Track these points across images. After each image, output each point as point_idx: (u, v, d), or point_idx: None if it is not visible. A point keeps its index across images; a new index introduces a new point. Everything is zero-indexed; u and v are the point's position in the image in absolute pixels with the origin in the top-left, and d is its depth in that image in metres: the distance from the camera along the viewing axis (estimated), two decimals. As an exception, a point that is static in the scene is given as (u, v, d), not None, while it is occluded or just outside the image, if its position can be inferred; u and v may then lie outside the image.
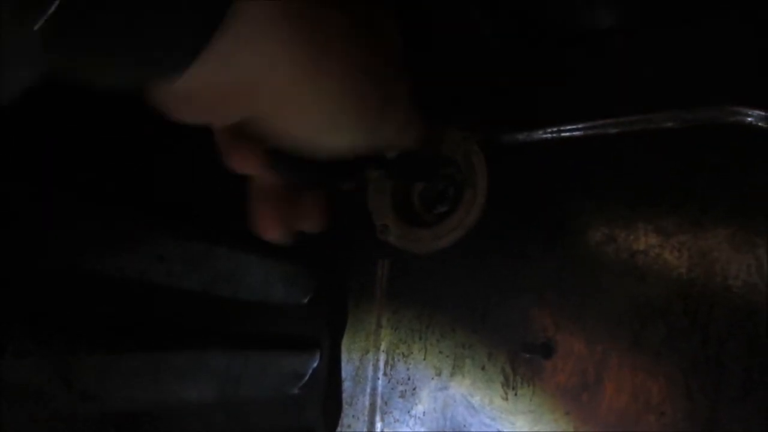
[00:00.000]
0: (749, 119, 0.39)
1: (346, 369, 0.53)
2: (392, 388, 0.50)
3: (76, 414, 0.36)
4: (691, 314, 0.39)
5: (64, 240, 0.37)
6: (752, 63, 0.40)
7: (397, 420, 0.49)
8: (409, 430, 0.49)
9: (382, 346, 0.51)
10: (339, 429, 0.53)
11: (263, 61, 0.23)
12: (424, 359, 0.49)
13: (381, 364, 0.51)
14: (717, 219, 0.39)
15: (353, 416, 0.52)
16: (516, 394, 0.44)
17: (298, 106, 0.26)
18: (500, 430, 0.44)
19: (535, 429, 0.43)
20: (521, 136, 0.47)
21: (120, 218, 0.41)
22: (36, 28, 0.17)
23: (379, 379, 0.51)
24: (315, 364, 0.52)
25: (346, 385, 0.53)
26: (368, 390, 0.51)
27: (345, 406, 0.52)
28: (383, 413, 0.50)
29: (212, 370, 0.45)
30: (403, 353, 0.50)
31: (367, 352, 0.52)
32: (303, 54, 0.23)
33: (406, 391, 0.49)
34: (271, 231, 0.33)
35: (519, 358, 0.44)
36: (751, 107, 0.39)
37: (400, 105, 0.32)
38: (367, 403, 0.51)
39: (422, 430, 0.48)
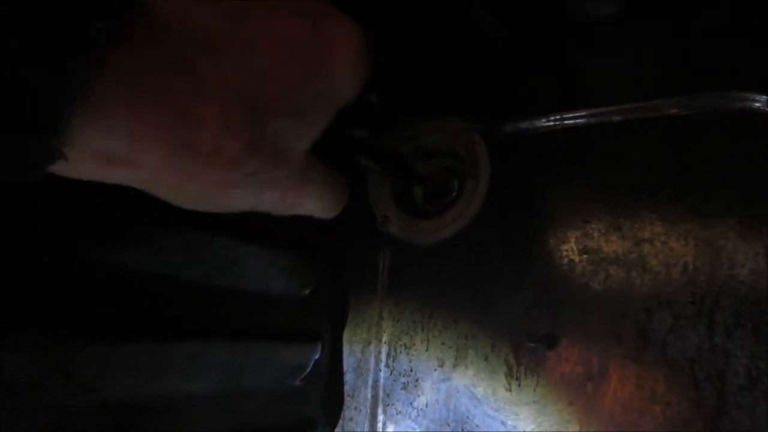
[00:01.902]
0: (756, 104, 0.38)
1: (348, 361, 0.53)
2: (394, 380, 0.50)
3: (74, 406, 0.36)
4: (698, 303, 0.38)
5: (62, 232, 0.37)
6: (755, 47, 0.40)
7: (400, 412, 0.49)
8: (411, 421, 0.48)
9: (384, 338, 0.51)
10: (341, 421, 0.52)
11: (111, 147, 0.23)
12: (427, 350, 0.49)
13: (383, 356, 0.51)
14: (723, 207, 0.39)
15: (355, 408, 0.52)
16: (519, 385, 0.43)
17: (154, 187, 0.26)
18: (504, 421, 0.44)
19: (539, 420, 0.42)
20: (523, 125, 0.47)
21: (119, 210, 0.40)
22: None
23: (381, 370, 0.51)
24: (316, 356, 0.52)
25: (348, 377, 0.52)
26: (370, 382, 0.51)
27: (347, 398, 0.52)
28: (385, 405, 0.50)
29: (213, 362, 0.45)
30: (405, 345, 0.50)
31: (369, 343, 0.52)
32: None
33: (408, 382, 0.49)
34: None
35: (522, 349, 0.44)
36: (757, 92, 0.38)
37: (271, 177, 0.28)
38: (369, 395, 0.51)
39: (425, 421, 0.48)
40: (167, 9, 0.23)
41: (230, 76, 0.24)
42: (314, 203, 0.32)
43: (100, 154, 0.22)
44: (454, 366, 0.47)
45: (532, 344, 0.43)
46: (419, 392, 0.48)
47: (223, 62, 0.24)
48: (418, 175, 0.51)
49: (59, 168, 0.22)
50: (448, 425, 0.46)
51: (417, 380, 0.49)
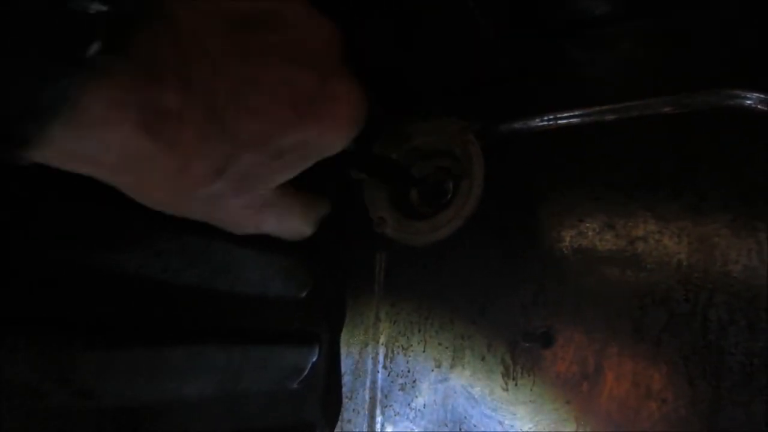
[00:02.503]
0: (748, 102, 0.39)
1: (346, 363, 0.53)
2: (392, 381, 0.50)
3: (73, 410, 0.36)
4: (692, 300, 0.39)
5: (60, 235, 0.37)
6: (749, 45, 0.40)
7: (398, 413, 0.49)
8: (409, 422, 0.48)
9: (382, 339, 0.51)
10: (339, 423, 0.52)
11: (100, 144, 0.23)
12: (424, 351, 0.49)
13: (380, 357, 0.51)
14: (716, 204, 0.39)
15: (353, 410, 0.52)
16: (516, 384, 0.44)
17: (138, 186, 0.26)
18: (501, 420, 0.44)
19: (536, 419, 0.42)
20: (518, 125, 0.47)
21: (116, 213, 0.41)
22: None
23: (378, 372, 0.51)
24: (314, 358, 0.52)
25: (346, 378, 0.52)
26: (368, 383, 0.51)
27: (345, 400, 0.52)
28: (383, 406, 0.50)
29: (211, 365, 0.45)
30: (402, 346, 0.50)
31: (367, 345, 0.52)
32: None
33: (406, 383, 0.49)
34: None
35: (519, 348, 0.44)
36: (749, 90, 0.39)
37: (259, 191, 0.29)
38: (367, 397, 0.51)
39: (423, 422, 0.48)
40: (186, 20, 0.23)
41: (219, 100, 0.24)
42: (274, 228, 0.32)
43: (67, 154, 0.23)
44: (451, 366, 0.47)
45: (528, 344, 0.43)
46: (417, 393, 0.48)
47: (217, 85, 0.24)
48: (412, 179, 0.51)
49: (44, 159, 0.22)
50: (446, 426, 0.46)
51: (414, 381, 0.49)
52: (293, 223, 0.32)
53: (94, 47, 0.20)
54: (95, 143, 0.23)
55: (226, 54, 0.24)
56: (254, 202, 0.29)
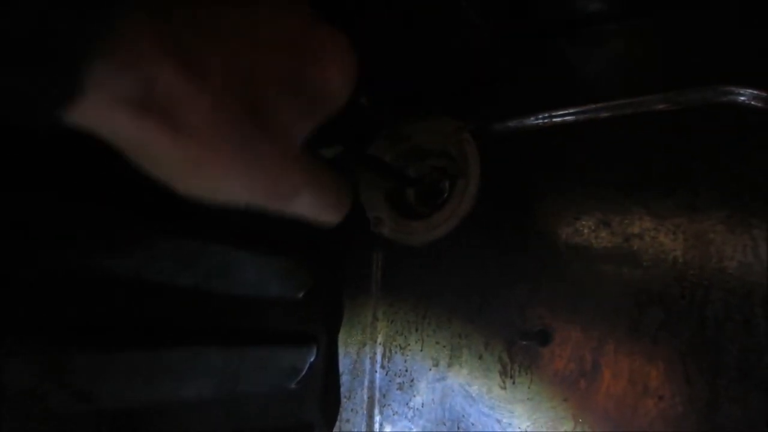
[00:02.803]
0: (741, 98, 0.39)
1: (344, 362, 0.53)
2: (390, 381, 0.50)
3: (71, 412, 0.36)
4: (688, 297, 0.39)
5: (56, 239, 0.37)
6: (742, 42, 0.40)
7: (396, 412, 0.49)
8: (408, 421, 0.48)
9: (379, 339, 0.51)
10: (338, 423, 0.52)
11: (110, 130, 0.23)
12: (421, 350, 0.49)
13: (378, 357, 0.51)
14: (711, 200, 0.39)
15: (352, 410, 0.52)
16: (514, 383, 0.44)
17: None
18: (499, 419, 0.44)
19: (534, 416, 0.42)
20: (512, 124, 0.47)
21: (113, 216, 0.41)
22: None
23: (376, 371, 0.51)
24: (312, 359, 0.52)
25: (344, 378, 0.52)
26: (366, 383, 0.51)
27: (343, 400, 0.52)
28: (382, 406, 0.50)
29: (209, 367, 0.45)
30: (399, 345, 0.50)
31: (364, 345, 0.52)
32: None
33: (404, 383, 0.49)
34: None
35: (516, 347, 0.44)
36: (743, 86, 0.39)
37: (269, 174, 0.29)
38: (365, 397, 0.51)
39: (421, 421, 0.48)
40: None
41: (232, 48, 0.25)
42: (311, 199, 0.31)
43: (111, 100, 0.22)
44: (449, 365, 0.47)
45: (525, 342, 0.44)
46: (415, 392, 0.48)
47: (224, 33, 0.25)
48: (408, 179, 0.52)
49: (79, 116, 0.22)
50: (444, 424, 0.46)
51: (412, 380, 0.49)
52: (329, 199, 0.32)
53: None
54: (139, 83, 0.22)
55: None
56: (287, 156, 0.29)
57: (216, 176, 0.28)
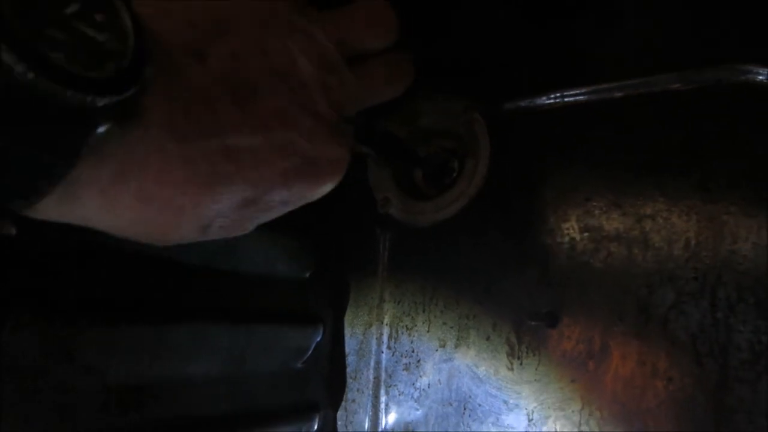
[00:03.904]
0: (760, 77, 0.38)
1: (350, 343, 0.53)
2: (396, 361, 0.50)
3: (77, 386, 0.36)
4: (700, 279, 0.38)
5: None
6: (760, 19, 0.39)
7: (402, 393, 0.49)
8: (414, 402, 0.48)
9: (386, 320, 0.51)
10: (343, 403, 0.53)
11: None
12: (428, 331, 0.49)
13: (384, 338, 0.51)
14: (726, 182, 0.39)
15: (357, 390, 0.52)
16: (521, 364, 0.43)
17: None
18: (506, 399, 0.44)
19: (541, 398, 0.42)
20: (523, 103, 0.46)
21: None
22: None
23: (383, 352, 0.51)
24: (318, 339, 0.52)
25: (350, 359, 0.52)
26: (372, 363, 0.51)
27: (349, 380, 0.52)
28: (388, 386, 0.50)
29: (216, 345, 0.45)
30: (406, 326, 0.50)
31: (371, 325, 0.52)
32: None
33: (410, 363, 0.49)
34: None
35: (524, 328, 0.44)
36: (762, 65, 0.38)
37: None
38: (371, 377, 0.51)
39: (427, 402, 0.48)
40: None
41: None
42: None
43: (62, 215, 0.24)
44: (456, 346, 0.47)
45: (533, 323, 0.43)
46: (421, 373, 0.48)
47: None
48: (417, 158, 0.51)
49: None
50: (451, 405, 0.46)
51: (419, 361, 0.49)
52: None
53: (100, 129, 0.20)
54: (92, 211, 0.24)
55: (231, 112, 0.27)
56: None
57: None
